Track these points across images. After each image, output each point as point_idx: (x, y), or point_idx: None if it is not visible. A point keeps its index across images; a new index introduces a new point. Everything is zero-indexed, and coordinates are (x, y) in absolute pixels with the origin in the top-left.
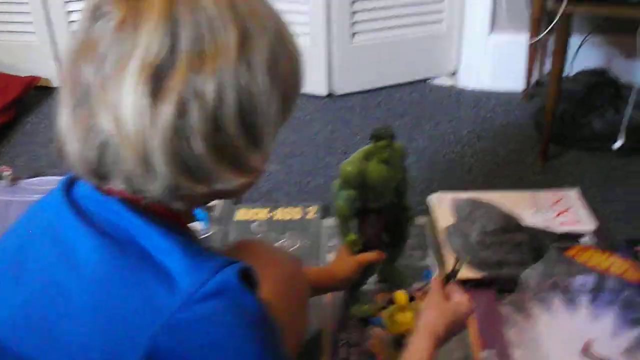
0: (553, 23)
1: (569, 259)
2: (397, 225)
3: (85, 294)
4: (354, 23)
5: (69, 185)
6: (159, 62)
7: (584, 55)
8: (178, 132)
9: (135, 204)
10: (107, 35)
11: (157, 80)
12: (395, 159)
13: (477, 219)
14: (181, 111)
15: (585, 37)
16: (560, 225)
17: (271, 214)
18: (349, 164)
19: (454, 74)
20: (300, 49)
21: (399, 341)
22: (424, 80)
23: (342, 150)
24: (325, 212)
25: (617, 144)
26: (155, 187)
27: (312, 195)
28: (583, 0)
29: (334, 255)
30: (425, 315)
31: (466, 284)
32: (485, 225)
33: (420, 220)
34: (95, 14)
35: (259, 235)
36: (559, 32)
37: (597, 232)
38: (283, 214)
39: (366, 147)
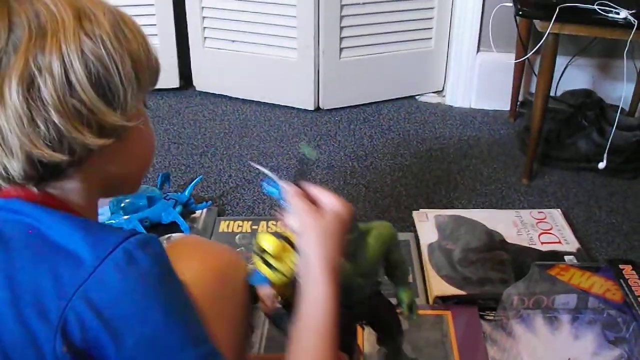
0: (540, 43)
1: (551, 278)
2: (380, 319)
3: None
4: (342, 38)
5: None
6: None
7: (570, 76)
8: (30, 105)
9: (31, 199)
10: None
11: (0, 67)
12: (364, 248)
13: (461, 236)
14: (28, 86)
15: (572, 58)
16: (543, 244)
17: (255, 226)
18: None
19: (441, 91)
20: (145, 36)
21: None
22: (411, 97)
23: (328, 165)
24: None
25: (602, 165)
26: (15, 165)
27: None
28: (570, 21)
29: None
30: (309, 249)
31: (448, 300)
32: (469, 243)
33: (405, 236)
34: None
35: (241, 248)
36: (546, 52)
37: (579, 252)
38: (267, 226)
39: None
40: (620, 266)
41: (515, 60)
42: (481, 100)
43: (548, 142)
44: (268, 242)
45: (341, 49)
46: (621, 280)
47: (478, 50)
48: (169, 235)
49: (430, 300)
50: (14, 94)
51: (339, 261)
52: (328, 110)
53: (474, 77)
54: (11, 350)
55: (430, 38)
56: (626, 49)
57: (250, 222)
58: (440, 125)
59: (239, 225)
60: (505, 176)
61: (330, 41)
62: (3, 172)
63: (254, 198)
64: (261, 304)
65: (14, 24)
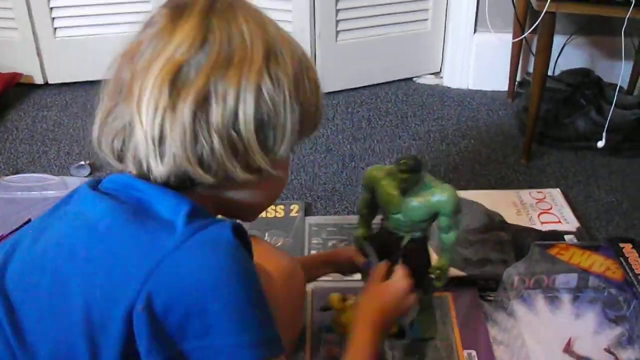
0: (537, 22)
1: (551, 258)
2: (411, 264)
3: (96, 244)
4: (338, 21)
5: (96, 180)
6: (185, 59)
7: (568, 55)
8: (196, 123)
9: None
10: (148, 38)
11: (181, 74)
12: (421, 195)
13: (461, 217)
14: (202, 105)
15: (569, 37)
16: (542, 224)
17: None
18: (374, 169)
19: (438, 72)
20: (319, 91)
21: None
22: (409, 79)
23: (326, 149)
24: (308, 209)
25: (600, 144)
26: (161, 170)
27: (295, 192)
28: None
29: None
30: (359, 305)
31: (449, 282)
32: (468, 224)
33: None
34: (146, 25)
35: None
36: (543, 31)
37: (579, 231)
38: (266, 211)
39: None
40: (620, 244)
41: (513, 40)
42: (479, 81)
43: (546, 121)
44: (331, 299)
45: (337, 32)
46: (621, 259)
47: (475, 31)
48: None
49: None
50: (186, 109)
51: (381, 328)
52: (325, 93)
53: (472, 57)
54: (92, 299)
55: (427, 19)
56: (624, 26)
57: None
58: (438, 106)
59: None
60: (504, 156)
61: (326, 24)
62: (145, 169)
63: None
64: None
65: (207, 42)
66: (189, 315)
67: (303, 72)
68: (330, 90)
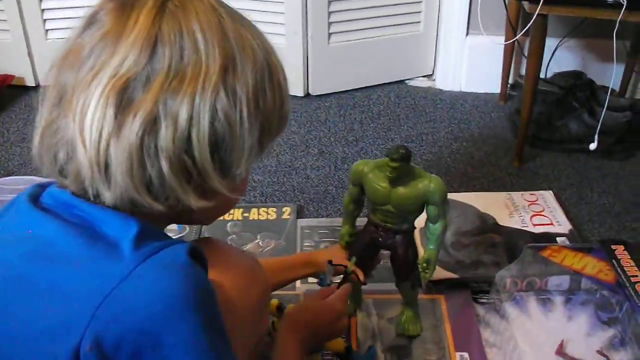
0: (529, 25)
1: (543, 260)
2: (396, 256)
3: (43, 273)
4: (330, 24)
5: (35, 193)
6: (131, 75)
7: (560, 58)
8: (143, 148)
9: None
10: (91, 42)
11: (127, 93)
12: (410, 185)
13: (453, 220)
14: (150, 128)
15: (562, 39)
16: (535, 226)
17: (246, 214)
18: (360, 164)
19: (430, 75)
20: (288, 86)
21: None
22: (401, 82)
23: (318, 151)
24: (300, 212)
25: (593, 146)
26: (108, 195)
27: (287, 195)
28: (559, 2)
29: None
30: (288, 315)
31: (441, 284)
32: (461, 226)
33: None
34: (89, 22)
35: (233, 236)
36: (535, 33)
37: (571, 233)
38: (258, 214)
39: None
40: (612, 246)
41: (505, 42)
42: (471, 83)
43: (539, 124)
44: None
45: (330, 35)
46: (613, 261)
47: (467, 34)
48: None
49: (423, 284)
50: (133, 133)
51: (305, 342)
52: (318, 96)
53: (464, 60)
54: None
55: (419, 22)
56: (615, 29)
57: (241, 210)
58: (430, 109)
59: (230, 213)
60: (497, 159)
61: (318, 27)
62: (91, 193)
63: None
64: None
65: (156, 52)
66: (142, 352)
67: (265, 80)
68: (323, 93)
